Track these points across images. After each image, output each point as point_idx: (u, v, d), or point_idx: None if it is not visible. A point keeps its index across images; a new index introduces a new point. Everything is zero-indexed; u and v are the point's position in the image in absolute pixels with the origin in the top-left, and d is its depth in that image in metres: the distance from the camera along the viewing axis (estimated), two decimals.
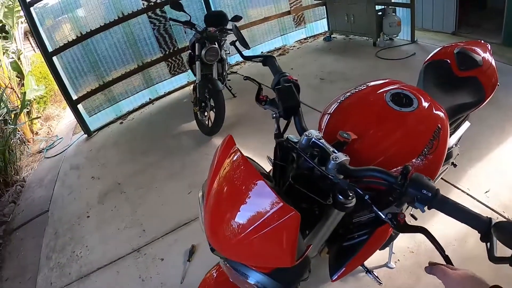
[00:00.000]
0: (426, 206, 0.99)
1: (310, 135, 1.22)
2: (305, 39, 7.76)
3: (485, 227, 0.91)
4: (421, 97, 1.58)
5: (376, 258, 2.37)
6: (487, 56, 2.24)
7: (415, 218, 2.25)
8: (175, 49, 5.96)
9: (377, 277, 1.98)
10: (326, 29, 7.84)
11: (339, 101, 1.61)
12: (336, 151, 1.15)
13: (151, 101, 5.95)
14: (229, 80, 5.09)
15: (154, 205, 3.38)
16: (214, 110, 4.09)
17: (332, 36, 7.54)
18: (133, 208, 3.38)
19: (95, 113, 5.39)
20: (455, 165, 2.53)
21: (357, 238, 1.40)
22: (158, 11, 5.64)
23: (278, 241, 0.98)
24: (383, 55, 6.18)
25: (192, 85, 4.54)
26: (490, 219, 0.91)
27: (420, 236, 2.46)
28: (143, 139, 4.74)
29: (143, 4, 5.49)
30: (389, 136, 1.43)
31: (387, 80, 1.73)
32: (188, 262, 2.63)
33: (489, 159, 3.26)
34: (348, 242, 1.42)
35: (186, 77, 6.28)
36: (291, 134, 1.34)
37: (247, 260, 1.07)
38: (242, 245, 1.00)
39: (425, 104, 1.55)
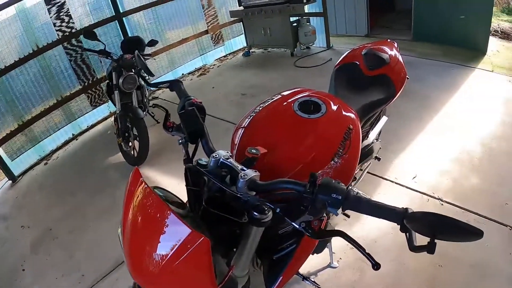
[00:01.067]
0: (340, 209, 1.01)
1: (217, 156, 1.21)
2: (224, 56, 7.86)
3: (401, 218, 0.93)
4: (329, 101, 1.65)
5: (318, 260, 2.45)
6: (394, 53, 2.41)
7: (348, 216, 2.36)
8: (94, 79, 5.77)
9: (314, 282, 2.02)
10: (245, 45, 8.02)
11: (251, 115, 1.64)
12: (245, 168, 1.15)
13: (74, 137, 5.67)
14: (151, 106, 5.00)
15: (90, 246, 3.26)
16: (137, 139, 4.03)
17: (250, 50, 7.74)
18: (68, 253, 3.25)
19: (17, 156, 5.08)
20: (379, 159, 2.67)
21: (287, 248, 1.41)
22: (74, 41, 5.46)
23: (193, 269, 0.99)
24: (301, 64, 6.45)
25: (113, 116, 4.46)
26: (405, 209, 0.93)
27: (359, 232, 2.67)
28: (70, 178, 4.54)
29: (58, 34, 5.30)
30: (301, 144, 1.47)
31: (296, 89, 1.80)
32: None
33: (411, 147, 3.60)
34: (278, 253, 1.42)
35: (107, 108, 6.09)
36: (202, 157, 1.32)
37: None
38: (161, 279, 1.00)
39: (334, 108, 1.63)
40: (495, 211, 2.73)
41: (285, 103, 1.66)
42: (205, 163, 1.26)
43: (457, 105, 4.39)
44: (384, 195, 2.93)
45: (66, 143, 5.55)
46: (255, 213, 1.11)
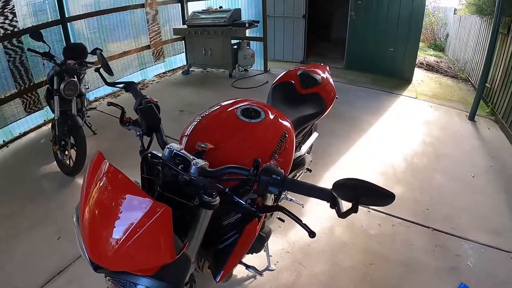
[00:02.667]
0: (279, 189, 1.18)
1: (171, 147, 1.34)
2: (164, 73, 7.88)
3: (330, 195, 1.12)
4: (268, 110, 1.90)
5: (257, 263, 2.52)
6: (326, 75, 2.76)
7: (283, 220, 2.52)
8: (31, 84, 5.38)
9: (257, 269, 2.17)
10: (185, 63, 8.13)
11: (195, 122, 1.81)
12: (196, 158, 1.31)
13: (5, 144, 5.18)
14: (88, 116, 4.90)
15: (22, 258, 3.00)
16: (75, 148, 3.94)
17: (190, 69, 7.86)
18: None
19: None
20: (310, 171, 2.99)
21: (230, 238, 1.56)
22: (15, 41, 5.07)
23: (155, 238, 1.07)
24: (238, 84, 6.74)
25: (51, 123, 4.30)
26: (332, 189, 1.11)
27: (293, 236, 2.92)
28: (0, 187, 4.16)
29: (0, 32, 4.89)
30: (243, 144, 1.68)
31: (237, 99, 2.03)
32: None
33: (340, 162, 3.99)
34: (222, 244, 1.56)
35: (43, 115, 5.74)
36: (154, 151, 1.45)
37: (132, 265, 1.12)
38: (123, 252, 1.05)
39: (272, 116, 1.87)
40: (419, 215, 3.19)
41: (229, 109, 1.89)
42: (159, 154, 1.40)
43: (383, 125, 4.98)
44: (317, 204, 3.13)
45: None
46: (205, 196, 1.25)
